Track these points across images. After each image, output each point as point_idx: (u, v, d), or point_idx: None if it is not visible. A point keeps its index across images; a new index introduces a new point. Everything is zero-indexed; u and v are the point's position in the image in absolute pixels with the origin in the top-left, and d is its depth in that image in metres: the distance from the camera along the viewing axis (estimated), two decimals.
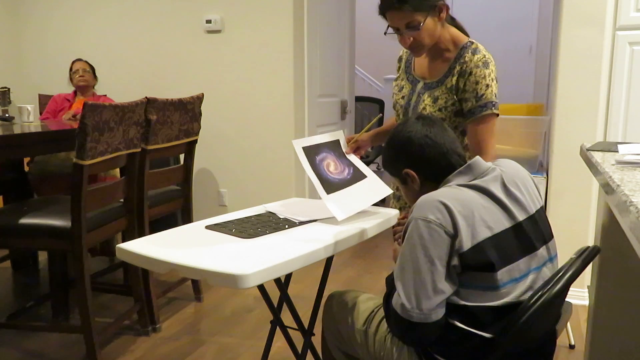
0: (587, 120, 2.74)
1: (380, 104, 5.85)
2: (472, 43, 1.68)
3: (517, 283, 1.18)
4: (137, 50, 3.89)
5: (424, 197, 1.21)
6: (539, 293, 1.16)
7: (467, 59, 1.64)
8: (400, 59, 1.89)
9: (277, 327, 1.77)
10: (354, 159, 1.84)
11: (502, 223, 1.19)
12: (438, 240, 1.15)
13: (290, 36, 3.47)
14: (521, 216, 1.22)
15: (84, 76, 3.42)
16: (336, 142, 1.84)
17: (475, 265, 1.15)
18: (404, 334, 1.23)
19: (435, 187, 1.28)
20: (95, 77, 3.51)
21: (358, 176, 1.77)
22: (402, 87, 1.81)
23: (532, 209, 1.25)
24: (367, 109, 5.83)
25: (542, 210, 1.30)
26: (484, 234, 1.16)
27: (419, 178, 1.33)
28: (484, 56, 1.64)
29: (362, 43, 5.62)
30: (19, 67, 4.21)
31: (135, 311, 2.51)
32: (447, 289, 1.16)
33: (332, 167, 1.73)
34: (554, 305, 1.21)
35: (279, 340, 1.93)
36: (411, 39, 1.62)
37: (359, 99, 5.31)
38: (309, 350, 1.66)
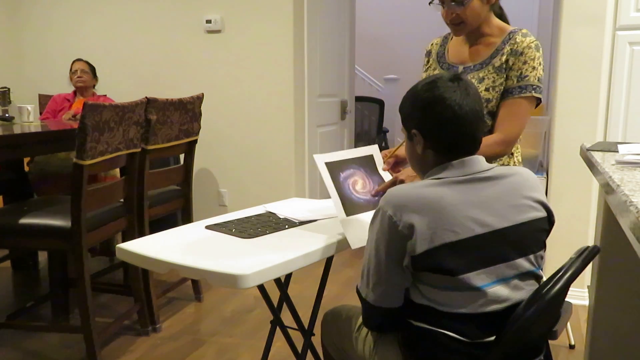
0: (587, 120, 2.74)
1: (380, 104, 5.85)
2: (521, 29, 1.66)
3: (477, 291, 1.13)
4: (137, 50, 3.89)
5: (396, 189, 1.18)
6: (539, 294, 1.14)
7: (518, 40, 1.62)
8: (428, 53, 1.85)
9: (277, 327, 1.77)
10: (390, 177, 1.65)
11: (470, 229, 1.12)
12: (392, 237, 1.15)
13: (290, 36, 3.47)
14: (500, 224, 1.15)
15: (82, 77, 3.42)
16: (369, 158, 1.65)
17: (429, 268, 1.13)
18: (363, 311, 1.27)
19: (436, 159, 1.23)
20: (95, 77, 3.51)
21: None
22: None
23: (518, 220, 1.17)
24: (367, 109, 5.84)
25: (540, 221, 1.21)
26: (445, 238, 1.11)
27: (425, 144, 1.23)
28: (535, 40, 1.63)
29: (362, 43, 5.63)
30: (19, 67, 4.21)
31: (135, 311, 2.51)
32: (396, 281, 1.18)
33: (359, 185, 1.57)
34: (553, 306, 1.21)
35: (279, 340, 1.93)
36: (454, 14, 1.60)
37: (359, 99, 5.31)
38: (309, 350, 1.66)
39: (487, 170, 1.21)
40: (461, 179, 1.18)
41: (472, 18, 1.61)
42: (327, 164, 1.53)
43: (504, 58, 1.63)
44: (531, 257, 1.20)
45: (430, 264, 1.12)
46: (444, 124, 1.20)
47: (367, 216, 1.50)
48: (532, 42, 1.62)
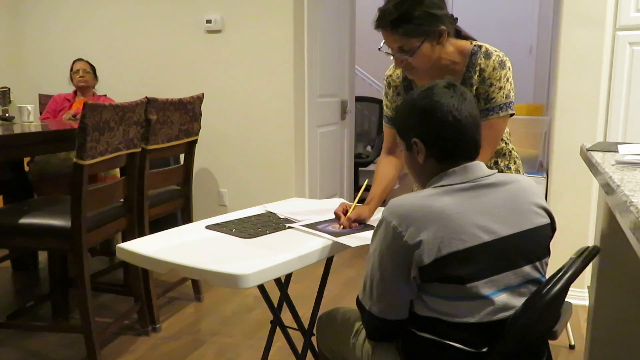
0: (587, 120, 2.74)
1: (380, 103, 5.85)
2: (480, 47, 1.60)
3: (485, 300, 1.12)
4: (137, 50, 3.89)
5: (400, 198, 1.16)
6: (538, 294, 1.14)
7: (482, 65, 1.58)
8: (389, 85, 1.77)
9: (277, 327, 1.78)
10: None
11: (477, 236, 1.11)
12: (397, 248, 1.12)
13: (290, 36, 3.47)
14: (506, 231, 1.14)
15: (84, 77, 3.42)
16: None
17: (437, 278, 1.11)
18: (363, 321, 1.26)
19: (438, 167, 1.22)
20: (95, 77, 3.51)
21: (369, 228, 1.58)
22: None
23: (524, 227, 1.17)
24: (367, 109, 5.84)
25: (544, 227, 1.21)
26: (453, 247, 1.10)
27: (426, 152, 1.22)
28: (498, 56, 1.58)
29: (362, 43, 5.62)
30: (19, 67, 4.21)
31: (135, 311, 2.51)
32: (401, 292, 1.16)
33: (337, 228, 1.58)
34: (553, 306, 1.21)
35: (279, 340, 1.93)
36: (404, 62, 1.55)
37: (359, 99, 5.31)
38: (309, 350, 1.66)
39: (489, 176, 1.20)
40: (464, 186, 1.17)
41: (425, 63, 1.56)
42: (304, 226, 1.57)
43: (473, 90, 1.60)
44: (537, 264, 1.20)
45: (439, 273, 1.11)
46: (444, 129, 1.19)
47: (355, 235, 1.50)
48: (495, 61, 1.57)
